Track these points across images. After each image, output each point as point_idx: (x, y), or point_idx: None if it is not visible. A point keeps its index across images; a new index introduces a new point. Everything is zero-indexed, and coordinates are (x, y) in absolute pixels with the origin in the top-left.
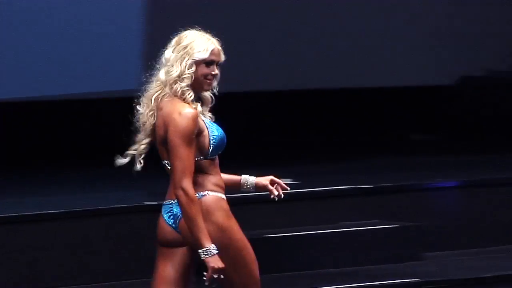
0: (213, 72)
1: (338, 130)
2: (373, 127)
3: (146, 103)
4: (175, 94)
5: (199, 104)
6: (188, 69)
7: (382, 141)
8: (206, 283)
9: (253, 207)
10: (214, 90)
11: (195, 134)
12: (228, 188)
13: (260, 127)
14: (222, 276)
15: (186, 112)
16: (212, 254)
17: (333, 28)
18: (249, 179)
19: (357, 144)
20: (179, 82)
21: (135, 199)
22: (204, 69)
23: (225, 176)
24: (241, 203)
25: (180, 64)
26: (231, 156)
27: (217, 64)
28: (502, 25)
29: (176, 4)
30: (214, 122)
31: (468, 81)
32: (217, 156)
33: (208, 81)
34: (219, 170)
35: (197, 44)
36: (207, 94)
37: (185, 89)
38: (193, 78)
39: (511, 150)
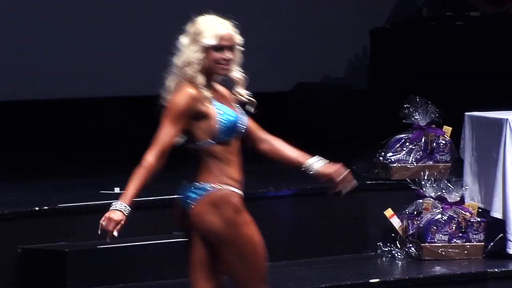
0: (224, 57)
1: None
2: None
3: (167, 89)
4: (186, 79)
5: (205, 90)
6: (197, 55)
7: None
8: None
9: (88, 217)
10: (236, 73)
11: (186, 114)
12: (291, 167)
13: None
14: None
15: (182, 91)
16: (115, 208)
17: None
18: (313, 165)
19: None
20: (189, 67)
21: None
22: (214, 55)
23: (289, 153)
24: (71, 212)
25: (190, 50)
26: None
27: (231, 48)
28: (334, 32)
29: None
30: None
31: (301, 87)
32: (235, 145)
33: (220, 65)
34: (238, 161)
35: (206, 29)
36: (237, 75)
37: (194, 74)
38: (204, 64)
39: (341, 159)
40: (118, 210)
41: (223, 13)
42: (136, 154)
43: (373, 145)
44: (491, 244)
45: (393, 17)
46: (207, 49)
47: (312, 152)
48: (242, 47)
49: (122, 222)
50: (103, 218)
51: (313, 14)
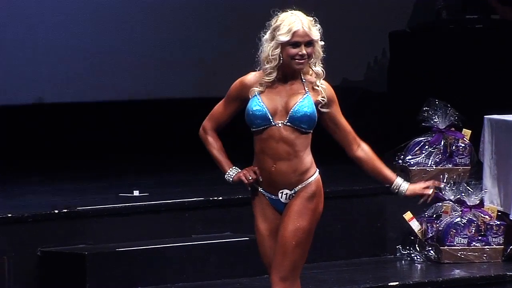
0: (300, 53)
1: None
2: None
3: None
4: (263, 71)
5: (263, 84)
6: (273, 51)
7: None
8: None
9: (106, 220)
10: (316, 67)
11: (237, 98)
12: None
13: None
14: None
15: (245, 75)
16: (230, 177)
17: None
18: (401, 186)
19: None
20: (267, 63)
21: None
22: (290, 50)
23: (382, 168)
24: (90, 215)
25: (269, 46)
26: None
27: (307, 43)
28: (353, 35)
29: None
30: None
31: None
32: (268, 136)
33: (296, 61)
34: (271, 152)
35: (282, 26)
36: (317, 69)
37: (270, 70)
38: (281, 59)
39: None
40: (233, 175)
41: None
42: (154, 156)
43: (392, 148)
44: (511, 247)
45: (412, 20)
46: (283, 45)
47: (332, 155)
48: (322, 41)
49: (245, 172)
50: (243, 176)
51: (332, 17)
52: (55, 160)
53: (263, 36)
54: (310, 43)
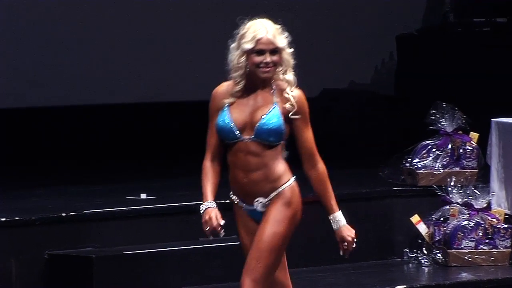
0: (264, 61)
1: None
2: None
3: None
4: (233, 80)
5: (233, 94)
6: (239, 59)
7: None
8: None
9: (114, 223)
10: (287, 75)
11: (216, 112)
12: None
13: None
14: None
15: (215, 89)
16: (203, 208)
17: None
18: (337, 222)
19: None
20: (234, 72)
21: None
22: (254, 58)
23: (325, 197)
24: (98, 219)
25: (235, 55)
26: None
27: (273, 51)
28: (360, 38)
29: None
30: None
31: (327, 94)
32: (237, 150)
33: (260, 69)
34: (242, 165)
35: (247, 34)
36: (287, 77)
37: (238, 79)
38: (247, 67)
39: (367, 165)
40: (203, 208)
41: (270, 15)
42: (161, 160)
43: (399, 151)
44: None
45: (419, 23)
46: (248, 53)
47: (339, 158)
48: (291, 48)
49: (214, 216)
50: (205, 222)
51: (339, 20)
52: (62, 163)
53: (231, 44)
54: (275, 51)
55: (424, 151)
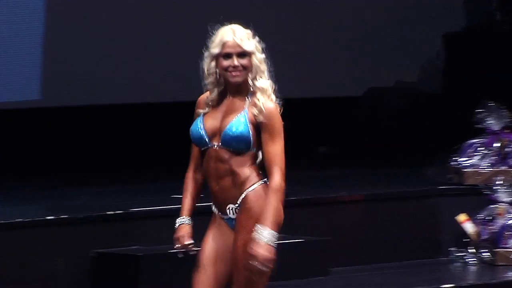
0: (232, 64)
1: None
2: None
3: None
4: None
5: (207, 104)
6: (209, 65)
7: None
8: None
9: (159, 221)
10: (259, 81)
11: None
12: None
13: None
14: None
15: None
16: (177, 223)
17: None
18: (258, 236)
19: None
20: (206, 79)
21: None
22: (222, 62)
23: (265, 208)
24: (144, 217)
25: (206, 61)
26: None
27: (241, 55)
28: (407, 37)
29: None
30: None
31: (373, 92)
32: (208, 157)
33: (229, 73)
34: (213, 172)
35: (215, 38)
36: (258, 83)
37: (210, 86)
38: (218, 74)
39: (413, 164)
40: (177, 223)
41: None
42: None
43: (446, 150)
44: None
45: (466, 21)
46: (217, 58)
47: (385, 157)
48: (262, 53)
49: (184, 235)
50: (175, 239)
51: (385, 18)
52: (108, 161)
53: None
54: (243, 54)
55: (470, 150)
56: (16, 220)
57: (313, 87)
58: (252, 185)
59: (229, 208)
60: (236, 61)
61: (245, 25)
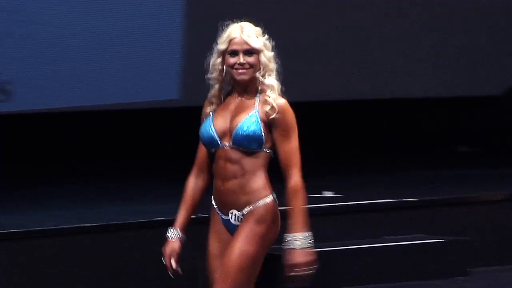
0: (238, 62)
1: (380, 142)
2: (417, 139)
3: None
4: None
5: (211, 102)
6: (215, 61)
7: (428, 154)
8: None
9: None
10: (267, 79)
11: (203, 121)
12: None
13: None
14: None
15: None
16: (168, 236)
17: (369, 37)
18: (292, 243)
19: (401, 157)
20: (210, 73)
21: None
22: (228, 60)
23: (290, 212)
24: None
25: (213, 57)
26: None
27: (248, 52)
28: None
29: None
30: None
31: None
32: (218, 157)
33: (235, 70)
34: (223, 173)
35: (222, 35)
36: (267, 81)
37: (212, 82)
38: (224, 71)
39: None
40: (168, 236)
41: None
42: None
43: None
44: None
45: None
46: (223, 55)
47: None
48: (271, 52)
49: (172, 254)
50: (164, 255)
51: (495, 23)
52: None
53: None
54: (249, 51)
55: None
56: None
57: (451, 86)
58: (263, 198)
59: (232, 213)
60: (242, 59)
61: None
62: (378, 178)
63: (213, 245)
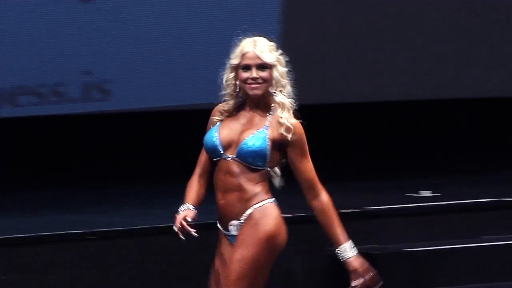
0: (251, 76)
1: (476, 141)
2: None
3: None
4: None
5: (222, 113)
6: (228, 76)
7: None
8: None
9: (390, 220)
10: (279, 97)
11: (209, 129)
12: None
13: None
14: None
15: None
16: (179, 211)
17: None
18: (346, 252)
19: (494, 155)
20: (224, 89)
21: None
22: (241, 74)
23: (331, 228)
24: (380, 216)
25: (226, 72)
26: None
27: (261, 67)
28: None
29: None
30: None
31: None
32: (218, 169)
33: (248, 85)
34: (224, 184)
35: (235, 50)
36: (279, 99)
37: (226, 97)
38: (237, 86)
39: None
40: (180, 209)
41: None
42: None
43: None
44: None
45: None
46: (237, 70)
47: None
48: (285, 67)
49: (185, 216)
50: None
51: None
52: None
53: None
54: (263, 66)
55: None
56: None
57: None
58: (260, 202)
59: (231, 225)
60: (255, 73)
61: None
62: (473, 177)
63: (216, 262)
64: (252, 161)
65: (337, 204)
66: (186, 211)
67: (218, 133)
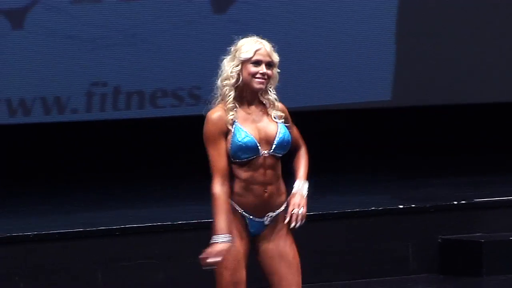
0: (261, 71)
1: None
2: None
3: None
4: (222, 97)
5: (231, 109)
6: (234, 68)
7: None
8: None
9: (502, 210)
10: (270, 92)
11: (220, 134)
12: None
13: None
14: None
15: (208, 114)
16: (220, 240)
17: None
18: (299, 189)
19: None
20: (226, 82)
21: None
22: (251, 68)
23: (296, 166)
24: (487, 206)
25: (230, 65)
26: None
27: (268, 64)
28: None
29: None
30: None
31: None
32: (255, 165)
33: (256, 79)
34: (262, 180)
35: (244, 45)
36: (269, 97)
37: (227, 88)
38: (241, 78)
39: None
40: (218, 242)
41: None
42: None
43: None
44: None
45: None
46: (244, 63)
47: None
48: (279, 68)
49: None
50: (205, 255)
51: None
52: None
53: (223, 61)
54: (270, 64)
55: None
56: (371, 208)
57: None
58: (285, 192)
59: (268, 216)
60: (265, 69)
61: None
62: None
63: (238, 243)
64: (284, 151)
65: (447, 197)
66: (229, 245)
67: (249, 132)
